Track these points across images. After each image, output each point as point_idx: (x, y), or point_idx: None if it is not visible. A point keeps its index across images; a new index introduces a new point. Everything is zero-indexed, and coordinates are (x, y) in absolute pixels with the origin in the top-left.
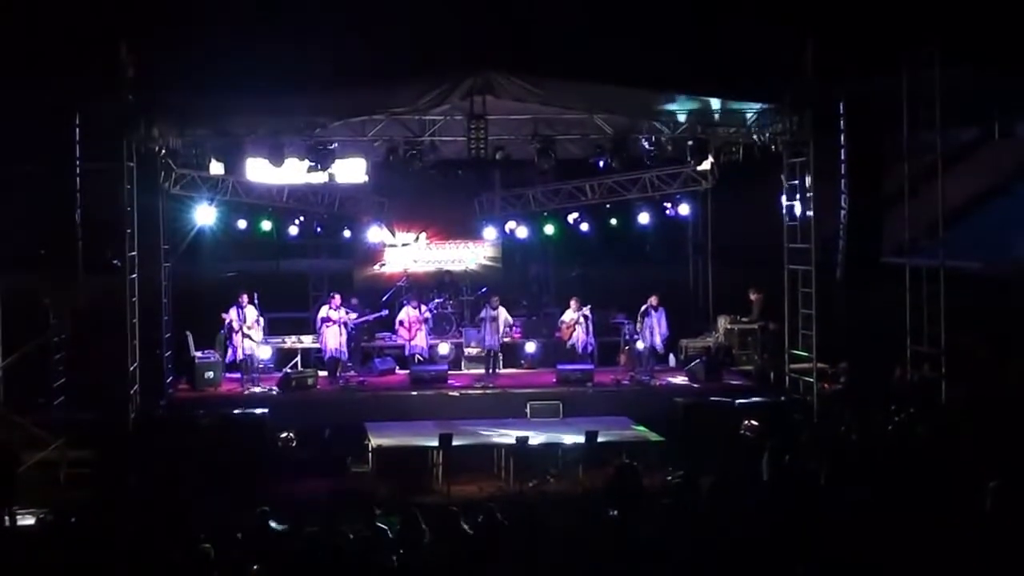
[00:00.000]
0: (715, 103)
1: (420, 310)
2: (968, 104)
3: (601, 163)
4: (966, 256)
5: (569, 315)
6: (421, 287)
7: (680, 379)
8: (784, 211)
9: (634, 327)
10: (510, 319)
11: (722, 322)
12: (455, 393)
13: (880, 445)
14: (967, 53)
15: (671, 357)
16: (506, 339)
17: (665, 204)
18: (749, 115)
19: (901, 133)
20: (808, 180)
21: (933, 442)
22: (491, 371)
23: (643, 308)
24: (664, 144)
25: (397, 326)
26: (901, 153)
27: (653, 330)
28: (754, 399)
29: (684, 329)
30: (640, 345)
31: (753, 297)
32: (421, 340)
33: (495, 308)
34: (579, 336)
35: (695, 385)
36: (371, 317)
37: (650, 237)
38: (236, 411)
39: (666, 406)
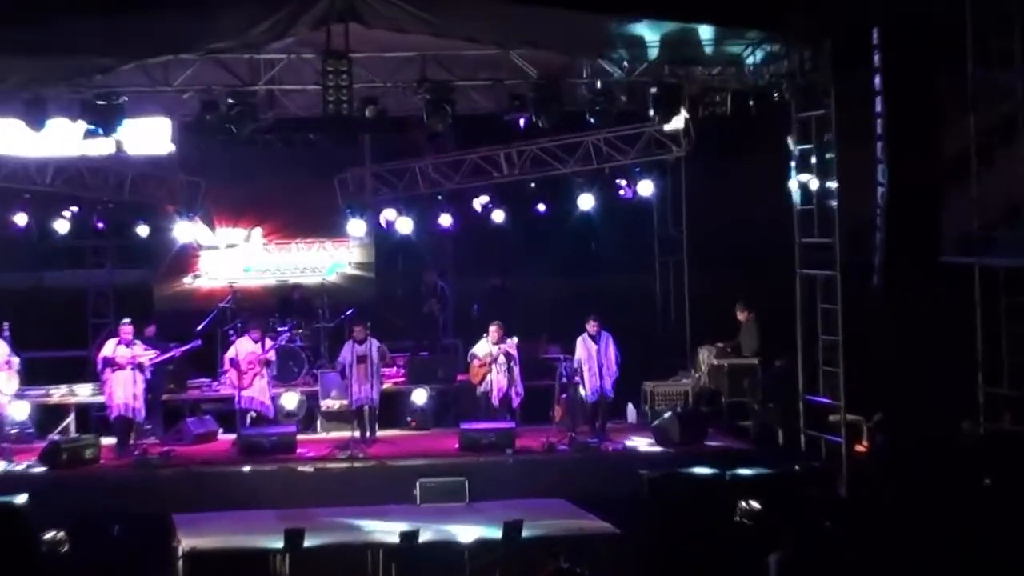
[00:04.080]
0: (704, 31)
1: (262, 345)
2: None
3: (522, 121)
4: None
5: (483, 348)
6: (256, 310)
7: (644, 441)
8: (793, 190)
9: (572, 365)
10: (387, 355)
11: (705, 355)
12: (308, 468)
13: (950, 539)
14: None
15: (630, 408)
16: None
17: (618, 181)
18: (742, 49)
19: (964, 72)
20: (828, 143)
21: None
22: (365, 434)
23: (581, 337)
24: (615, 93)
25: (225, 367)
26: (965, 102)
27: (600, 368)
28: (755, 470)
29: (649, 367)
30: (583, 391)
31: (741, 317)
32: (260, 390)
33: (362, 342)
34: (495, 380)
35: (666, 449)
36: (178, 352)
37: (596, 230)
38: None
39: (624, 481)
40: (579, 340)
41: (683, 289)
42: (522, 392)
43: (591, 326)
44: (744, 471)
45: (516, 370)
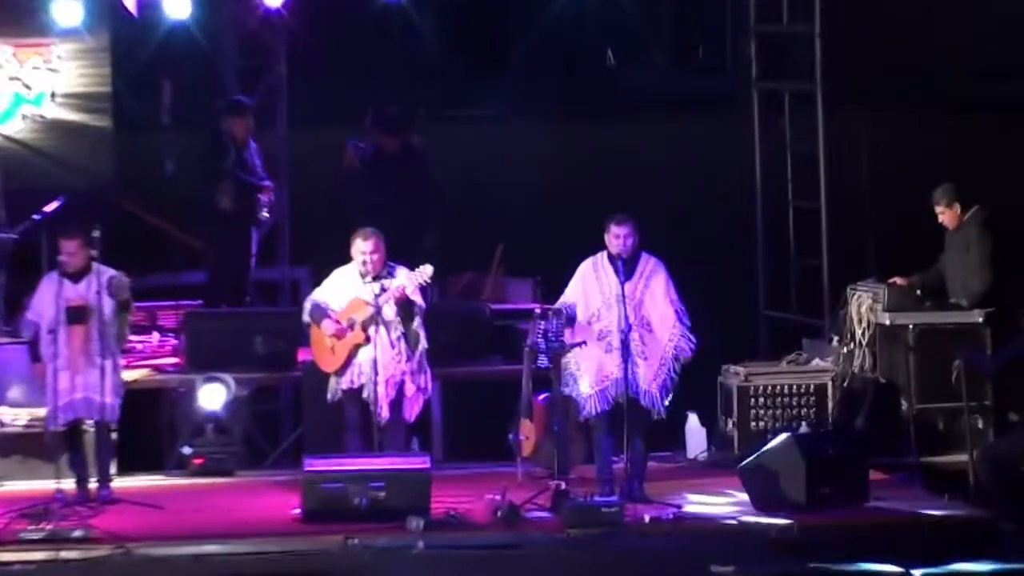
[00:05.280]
0: None
1: None
2: None
3: None
4: None
5: (345, 288)
6: None
7: (723, 500)
8: None
9: (561, 324)
10: (126, 294)
11: (864, 304)
12: None
13: None
14: None
15: (693, 423)
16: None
17: None
18: None
19: None
20: None
21: None
22: (87, 483)
23: (589, 262)
24: None
25: None
26: None
27: (626, 336)
28: (981, 566)
29: (737, 332)
30: (586, 386)
31: (947, 218)
32: None
33: (79, 276)
34: (380, 362)
35: (776, 518)
36: None
37: (615, 16)
38: None
39: None
40: (582, 268)
41: (814, 157)
42: (428, 387)
43: (616, 235)
44: (957, 567)
45: (422, 336)
